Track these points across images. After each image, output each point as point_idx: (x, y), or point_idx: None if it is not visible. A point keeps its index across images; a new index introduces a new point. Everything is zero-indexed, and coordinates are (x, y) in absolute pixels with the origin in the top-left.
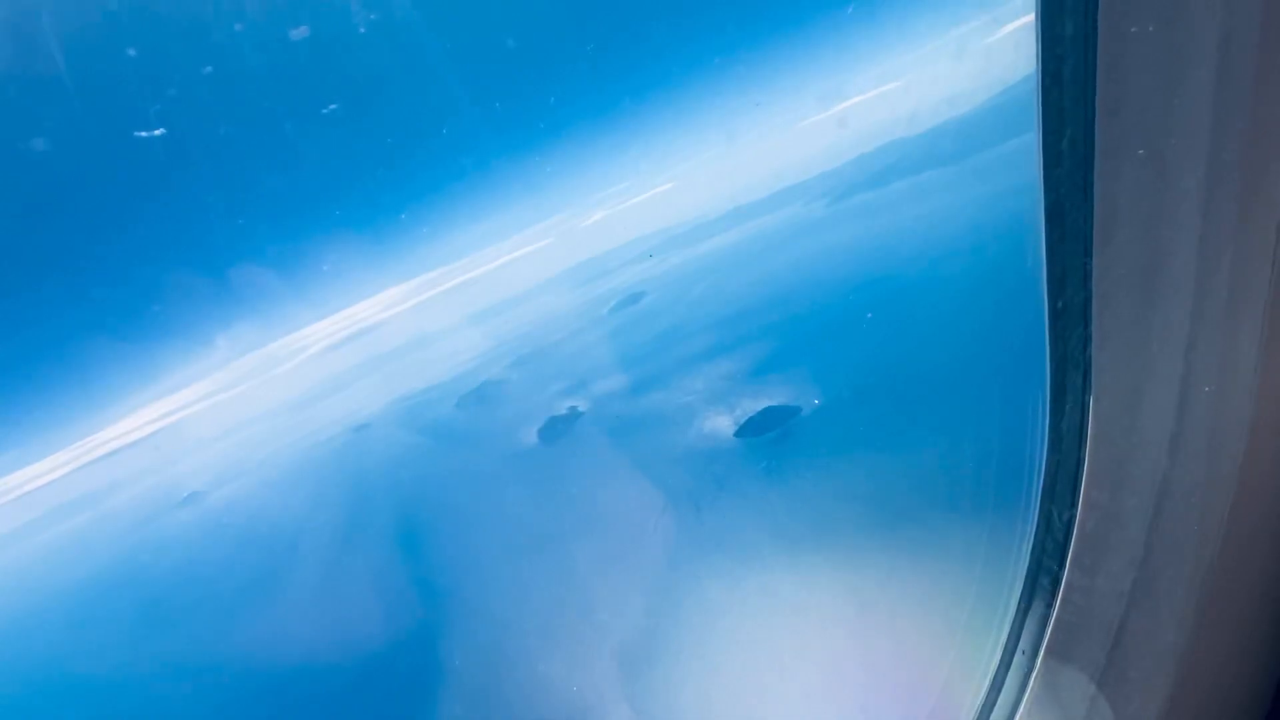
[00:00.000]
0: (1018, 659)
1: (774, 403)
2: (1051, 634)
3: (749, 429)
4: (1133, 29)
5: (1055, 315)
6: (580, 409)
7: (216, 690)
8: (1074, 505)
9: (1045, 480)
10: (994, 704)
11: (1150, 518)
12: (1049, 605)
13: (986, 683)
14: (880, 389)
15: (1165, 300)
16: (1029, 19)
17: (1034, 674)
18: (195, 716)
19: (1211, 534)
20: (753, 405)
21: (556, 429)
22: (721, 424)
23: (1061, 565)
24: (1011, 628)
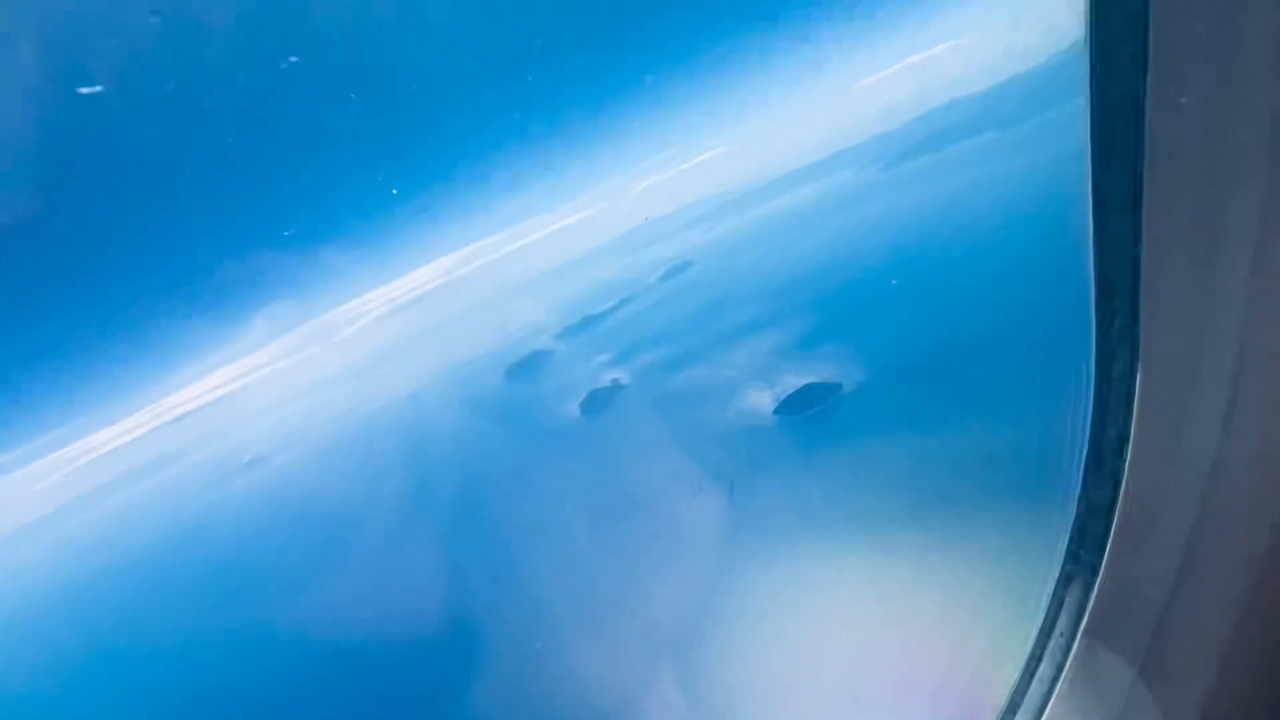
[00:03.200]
0: (1054, 641)
1: (816, 379)
2: (1090, 616)
3: (789, 406)
4: None
5: (1101, 282)
6: (623, 382)
7: (275, 652)
8: (1118, 483)
9: (1089, 456)
10: (1028, 686)
11: (1199, 497)
12: (1088, 586)
13: (1021, 664)
14: (924, 365)
15: (1220, 263)
16: None
17: (1071, 657)
18: (256, 678)
19: (1264, 516)
20: (794, 381)
21: (598, 402)
22: (762, 401)
23: (1103, 545)
24: (1049, 609)
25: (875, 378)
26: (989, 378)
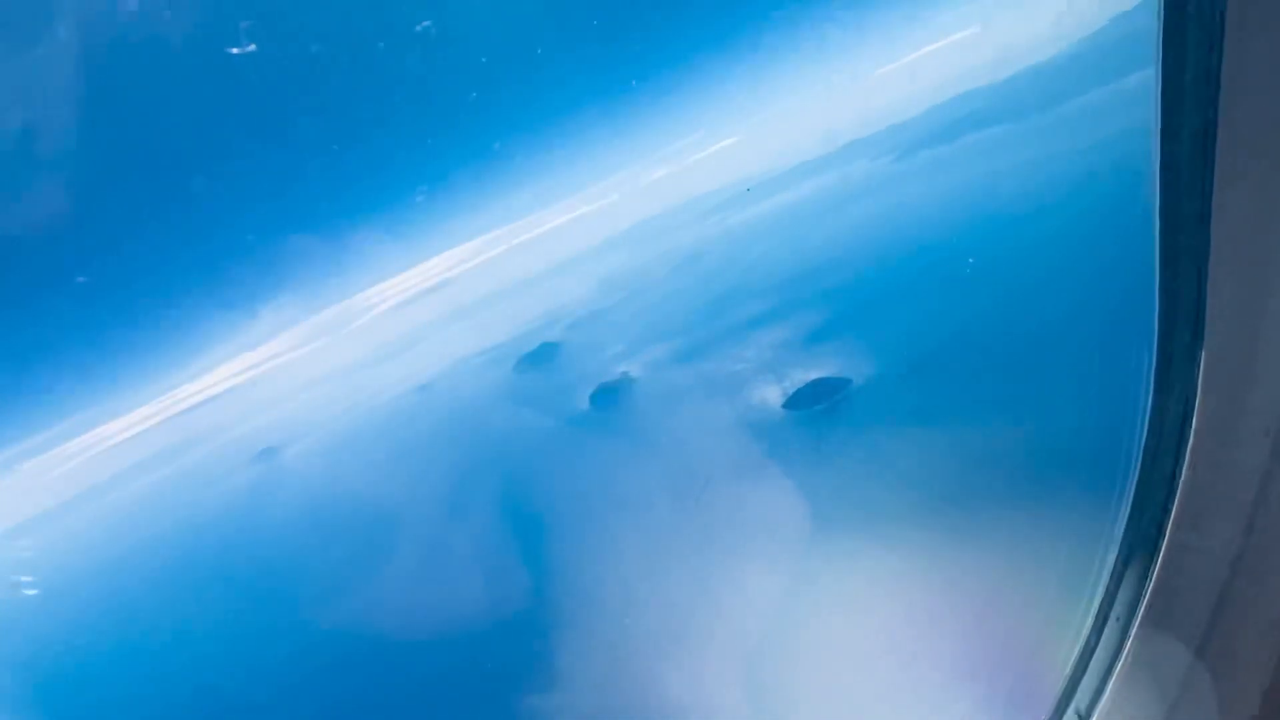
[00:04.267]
0: (1110, 625)
1: (825, 373)
2: (1149, 600)
3: (797, 401)
4: None
5: (1166, 257)
6: (632, 375)
7: (288, 640)
8: (1179, 461)
9: (1149, 435)
10: (1084, 672)
11: (1262, 477)
12: (1147, 569)
13: (1077, 650)
14: (935, 358)
15: None
16: None
17: (1128, 642)
18: (268, 666)
19: None
20: (803, 376)
21: (608, 395)
22: (770, 395)
23: (1162, 526)
24: (1105, 593)
25: (885, 372)
26: (1002, 369)
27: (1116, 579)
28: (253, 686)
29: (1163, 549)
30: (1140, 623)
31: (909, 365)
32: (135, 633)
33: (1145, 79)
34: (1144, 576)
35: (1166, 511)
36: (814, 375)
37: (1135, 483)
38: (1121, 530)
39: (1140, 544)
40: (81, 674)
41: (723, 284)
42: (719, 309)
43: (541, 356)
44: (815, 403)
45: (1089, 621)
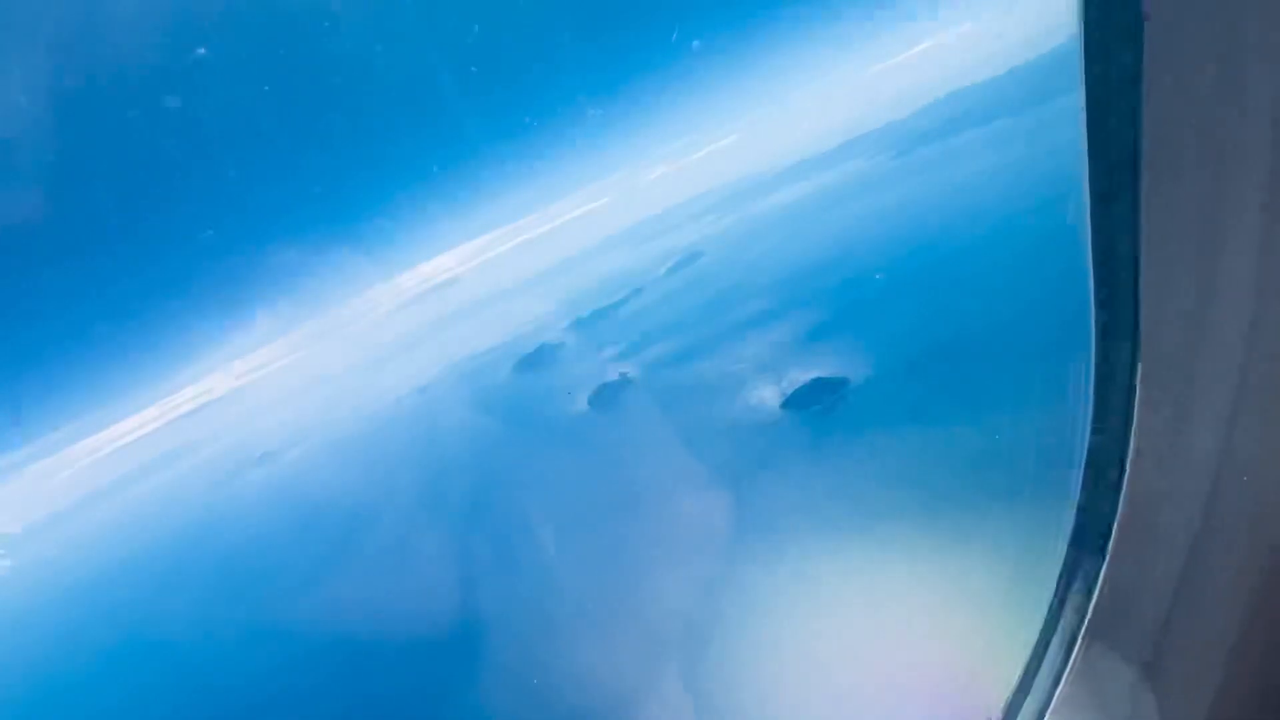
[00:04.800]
0: (1056, 640)
1: (823, 373)
2: (1092, 619)
3: (796, 401)
4: None
5: (1100, 275)
6: (631, 375)
7: (289, 645)
8: (1119, 482)
9: (1089, 455)
10: (1029, 689)
11: (1201, 497)
12: (1090, 588)
13: (1021, 668)
14: (932, 359)
15: (1223, 255)
16: None
17: (1072, 661)
18: (267, 672)
19: (1270, 516)
20: (801, 376)
21: (606, 397)
22: (768, 396)
23: (1105, 545)
24: (1050, 611)
25: (883, 372)
26: (1000, 372)
27: (1062, 596)
28: (255, 689)
29: (1105, 566)
30: (1084, 642)
31: (906, 364)
32: (138, 637)
33: None
34: (1088, 594)
35: (1108, 531)
36: (812, 375)
37: (1079, 494)
38: (1066, 544)
39: (1084, 562)
40: (85, 678)
41: (722, 283)
42: (718, 308)
43: (540, 358)
44: (813, 403)
45: (1034, 639)
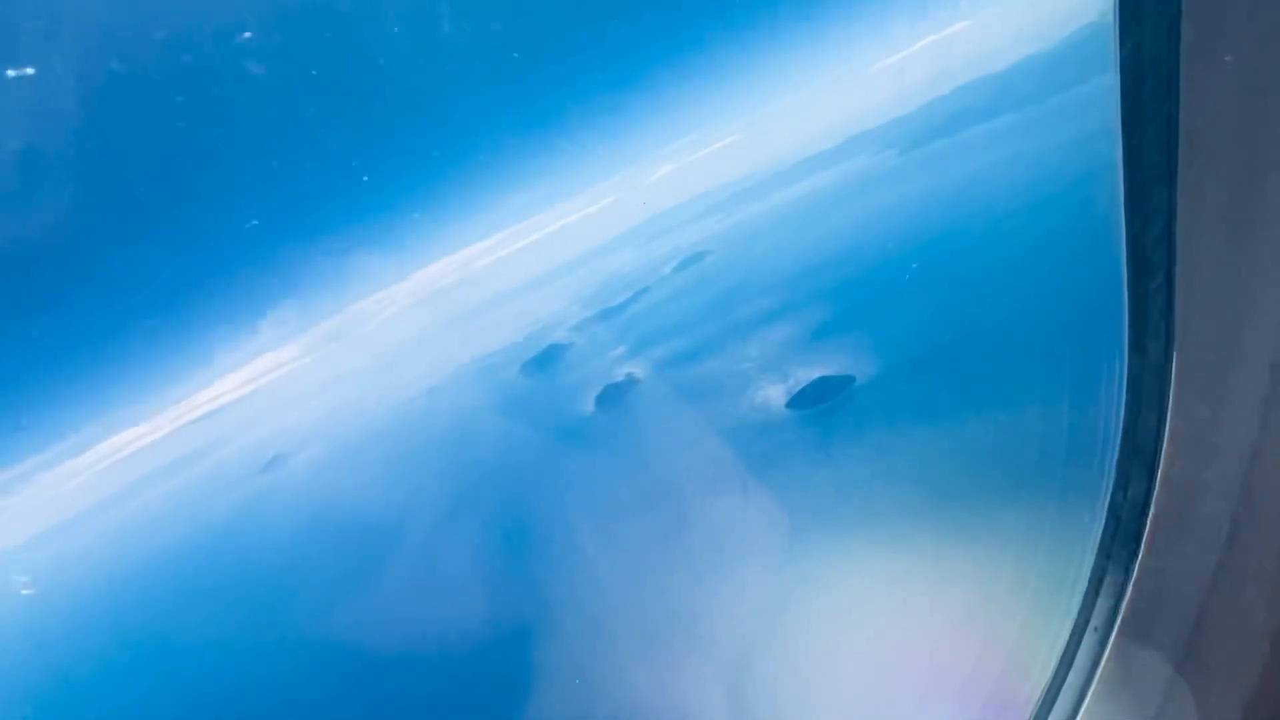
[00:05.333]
0: (1089, 636)
1: (828, 371)
2: (1126, 611)
3: (801, 400)
4: None
5: (1134, 261)
6: (637, 376)
7: (300, 646)
8: (1153, 473)
9: (1122, 446)
10: (1062, 683)
11: (1238, 488)
12: (1124, 580)
13: (1055, 660)
14: (938, 355)
15: (1260, 239)
16: None
17: (1106, 653)
18: (280, 672)
19: None
20: (807, 374)
21: (613, 397)
22: (774, 394)
23: (1139, 538)
24: (1084, 603)
25: (888, 369)
26: (1008, 368)
27: (1094, 590)
28: (265, 693)
29: (1139, 559)
30: (1118, 634)
31: (911, 362)
32: (149, 641)
33: None
34: (1121, 590)
35: (1142, 524)
36: (818, 373)
37: (1111, 489)
38: (1098, 538)
39: (1117, 557)
40: (96, 683)
41: (727, 282)
42: (724, 307)
43: (548, 358)
44: (819, 402)
45: (1068, 631)
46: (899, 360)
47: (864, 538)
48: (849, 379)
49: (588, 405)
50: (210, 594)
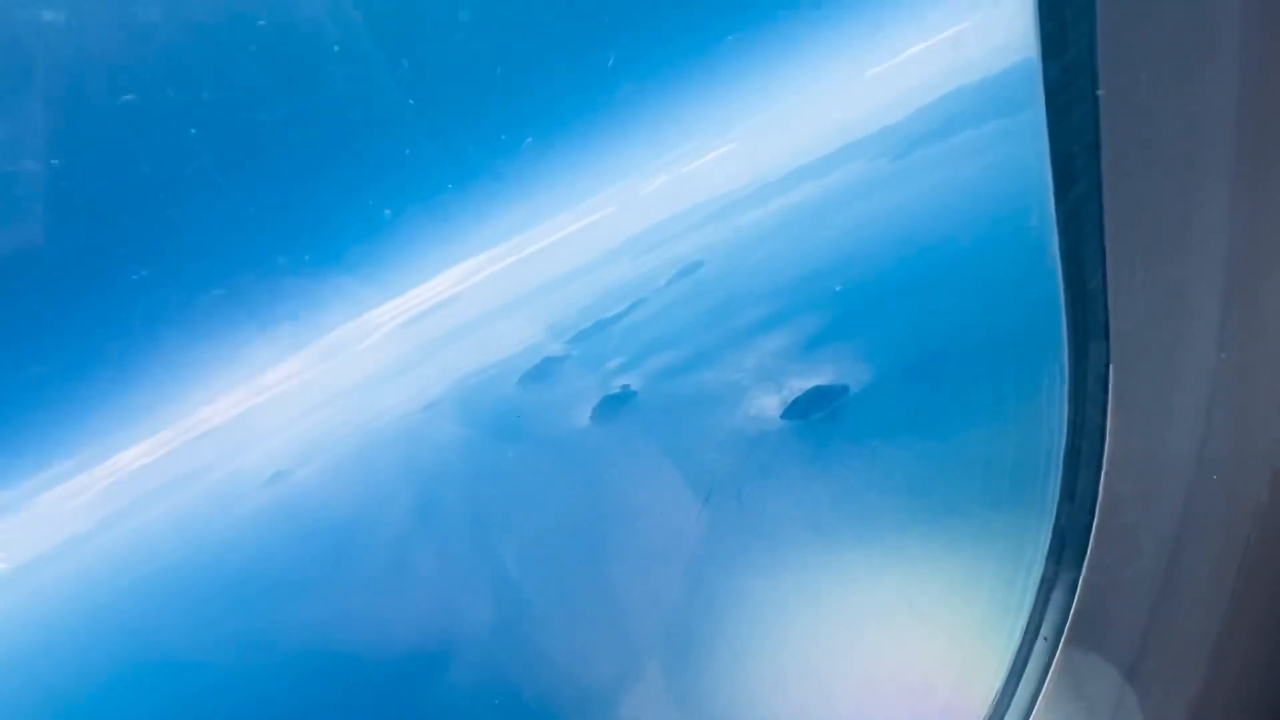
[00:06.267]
0: (1039, 645)
1: (823, 381)
2: (1074, 620)
3: (796, 410)
4: None
5: (1068, 277)
6: (633, 388)
7: (301, 662)
8: (1096, 484)
9: (1066, 459)
10: (1014, 691)
11: (1181, 498)
12: (1072, 590)
13: (1005, 669)
14: (933, 366)
15: (1192, 258)
16: None
17: (1055, 661)
18: (280, 689)
19: (1246, 515)
20: (801, 384)
21: (609, 410)
22: (769, 405)
23: (1084, 548)
24: (1032, 613)
25: (883, 378)
26: (1002, 377)
27: (1044, 600)
28: (269, 708)
29: (1085, 571)
30: (1066, 643)
31: (907, 371)
32: (154, 658)
33: None
34: (1070, 597)
35: (1087, 534)
36: (812, 383)
37: (1057, 499)
38: (1046, 550)
39: (1064, 566)
40: (100, 701)
41: (723, 290)
42: (719, 318)
43: (543, 372)
44: (813, 411)
45: (1017, 640)
46: (894, 370)
47: (844, 548)
48: (844, 389)
49: (584, 418)
50: (216, 609)
